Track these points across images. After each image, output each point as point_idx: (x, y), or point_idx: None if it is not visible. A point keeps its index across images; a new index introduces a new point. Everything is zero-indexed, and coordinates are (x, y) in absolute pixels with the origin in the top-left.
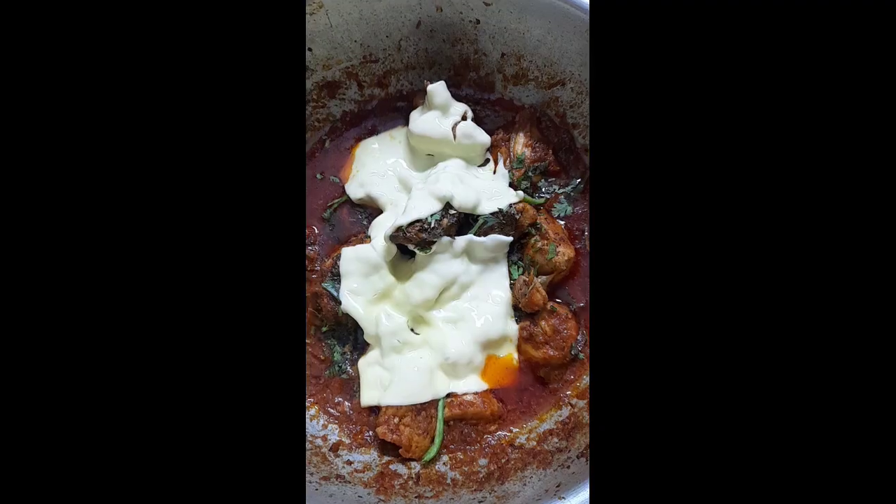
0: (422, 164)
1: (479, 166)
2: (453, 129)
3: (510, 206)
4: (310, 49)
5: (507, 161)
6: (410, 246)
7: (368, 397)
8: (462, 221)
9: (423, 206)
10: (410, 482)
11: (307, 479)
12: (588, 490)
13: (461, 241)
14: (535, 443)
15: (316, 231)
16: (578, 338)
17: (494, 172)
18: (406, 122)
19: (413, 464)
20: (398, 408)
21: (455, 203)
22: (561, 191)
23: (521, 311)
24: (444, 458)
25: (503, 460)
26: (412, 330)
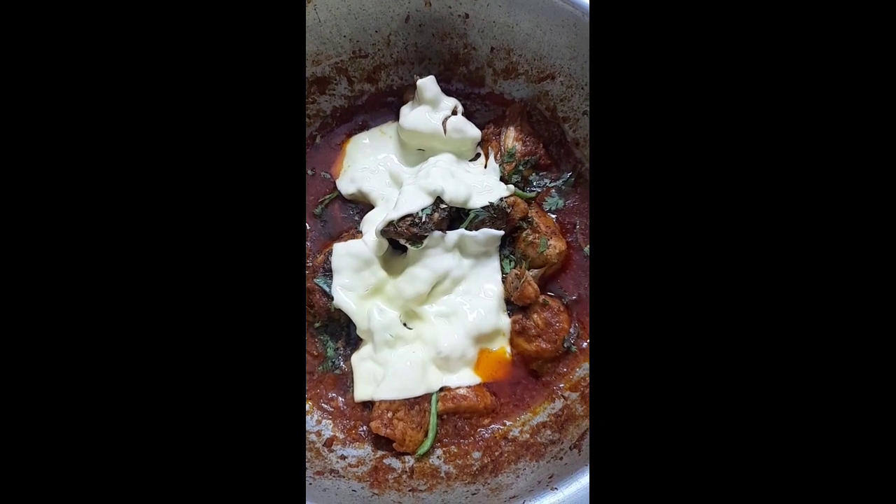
0: (413, 160)
1: (470, 161)
2: (444, 123)
3: (501, 199)
4: None
5: (498, 155)
6: (402, 241)
7: (362, 392)
8: (453, 216)
9: (414, 201)
10: (404, 476)
11: None
12: (579, 481)
13: (452, 235)
14: (528, 435)
15: (307, 227)
16: (571, 330)
17: (485, 167)
18: (396, 118)
19: (407, 458)
20: (392, 402)
21: (446, 197)
22: (552, 184)
23: (514, 304)
24: (438, 451)
25: (496, 453)
26: (405, 325)
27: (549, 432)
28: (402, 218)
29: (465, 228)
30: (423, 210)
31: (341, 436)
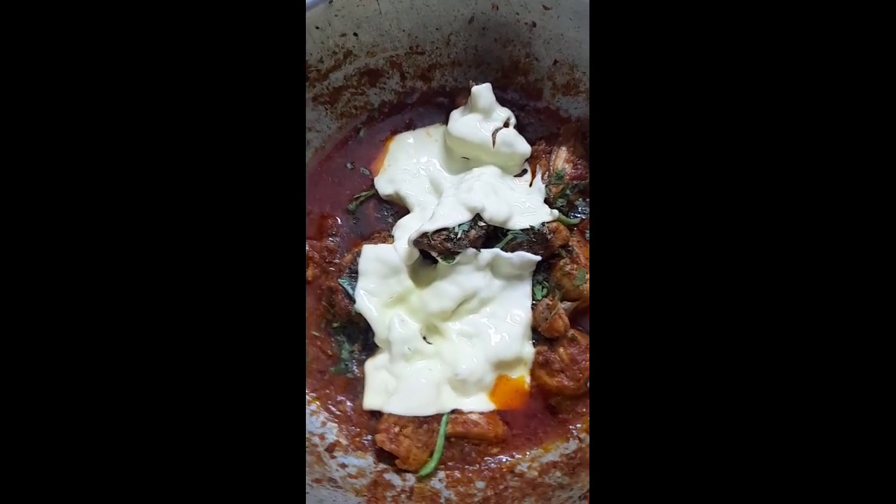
0: (456, 167)
1: (516, 176)
2: (493, 135)
3: (543, 224)
4: (355, 34)
5: (546, 175)
6: (434, 253)
7: (371, 401)
8: (490, 233)
9: (452, 215)
10: (403, 495)
11: None
12: None
13: (487, 254)
14: (536, 473)
15: (339, 222)
16: None
17: (531, 185)
18: (445, 120)
19: (408, 476)
20: (400, 417)
21: (486, 215)
22: None
23: (540, 334)
24: (441, 474)
25: (501, 486)
26: (425, 338)
27: (558, 474)
28: (438, 231)
29: (501, 248)
30: (459, 225)
31: (345, 442)
